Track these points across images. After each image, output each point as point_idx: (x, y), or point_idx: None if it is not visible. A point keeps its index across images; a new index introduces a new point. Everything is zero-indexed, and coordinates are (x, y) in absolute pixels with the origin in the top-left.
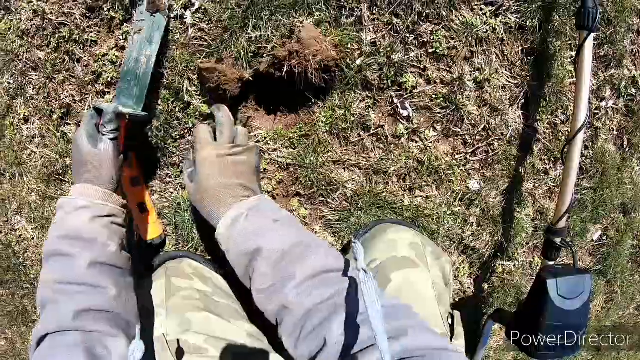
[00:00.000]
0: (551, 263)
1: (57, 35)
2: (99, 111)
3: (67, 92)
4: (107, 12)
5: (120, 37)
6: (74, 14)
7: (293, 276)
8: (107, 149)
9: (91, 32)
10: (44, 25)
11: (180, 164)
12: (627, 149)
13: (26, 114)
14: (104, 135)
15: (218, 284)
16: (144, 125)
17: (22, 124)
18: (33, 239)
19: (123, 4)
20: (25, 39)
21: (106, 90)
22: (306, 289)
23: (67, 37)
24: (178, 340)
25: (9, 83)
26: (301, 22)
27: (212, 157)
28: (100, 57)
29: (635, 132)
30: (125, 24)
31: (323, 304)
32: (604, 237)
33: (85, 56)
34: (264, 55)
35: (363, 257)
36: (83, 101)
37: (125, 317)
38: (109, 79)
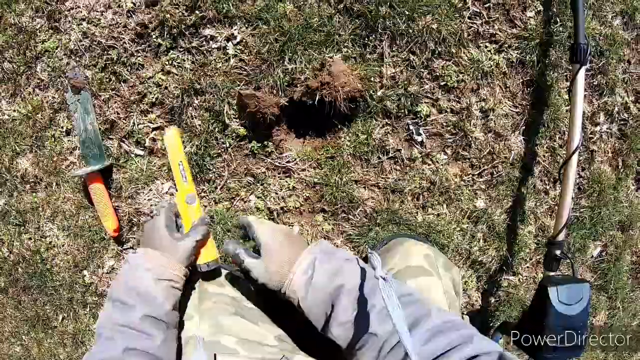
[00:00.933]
0: (552, 274)
1: (104, 57)
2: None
3: (112, 109)
4: (155, 39)
5: (167, 63)
6: (123, 38)
7: (374, 306)
8: (186, 247)
9: (138, 56)
10: (92, 47)
11: (216, 181)
12: (621, 170)
13: (69, 127)
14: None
15: (247, 291)
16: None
17: (64, 136)
18: (64, 245)
19: (171, 33)
20: (73, 57)
21: (149, 109)
22: (387, 315)
23: (114, 59)
24: (210, 342)
25: (53, 97)
26: (331, 57)
27: (271, 226)
28: (145, 79)
29: (629, 154)
30: (171, 51)
31: None
32: (604, 254)
33: (131, 77)
34: (298, 85)
35: (380, 266)
36: (127, 118)
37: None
38: (154, 100)
